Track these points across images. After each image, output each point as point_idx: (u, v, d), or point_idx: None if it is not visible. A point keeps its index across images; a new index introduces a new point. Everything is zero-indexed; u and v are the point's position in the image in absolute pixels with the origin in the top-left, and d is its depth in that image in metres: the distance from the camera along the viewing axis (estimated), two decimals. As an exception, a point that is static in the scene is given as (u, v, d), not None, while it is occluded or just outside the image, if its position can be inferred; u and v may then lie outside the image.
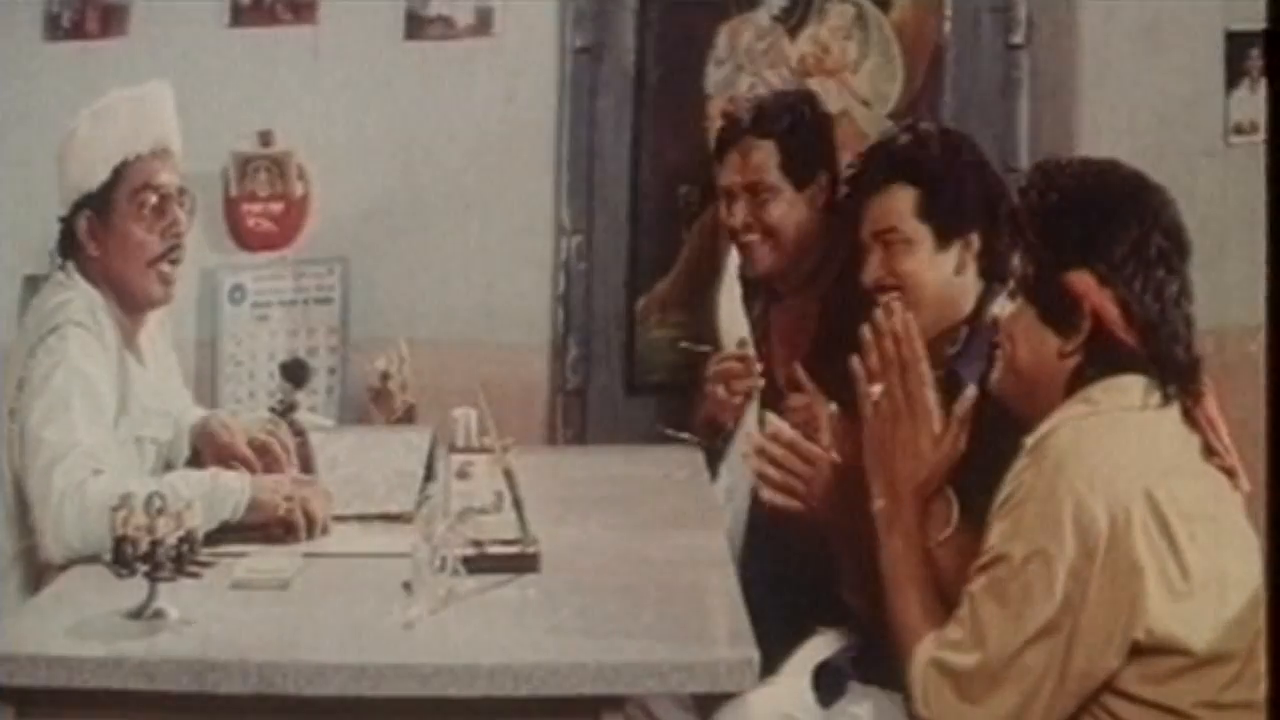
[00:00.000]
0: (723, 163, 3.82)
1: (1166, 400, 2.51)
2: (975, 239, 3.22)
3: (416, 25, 4.65)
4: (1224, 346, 4.35)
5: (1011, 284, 2.64)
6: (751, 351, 3.81)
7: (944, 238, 3.22)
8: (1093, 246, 2.55)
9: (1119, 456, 2.44)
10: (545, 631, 2.73)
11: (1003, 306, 2.65)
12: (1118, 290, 2.53)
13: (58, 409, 3.14)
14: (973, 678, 2.44)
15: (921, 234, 3.23)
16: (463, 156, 4.65)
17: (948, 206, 3.23)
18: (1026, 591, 2.40)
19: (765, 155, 3.71)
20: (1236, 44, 4.45)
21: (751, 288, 3.86)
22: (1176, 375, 2.53)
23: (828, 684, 3.02)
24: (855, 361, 2.80)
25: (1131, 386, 2.51)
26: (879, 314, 2.82)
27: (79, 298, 3.28)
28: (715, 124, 4.64)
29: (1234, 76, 4.47)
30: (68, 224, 3.34)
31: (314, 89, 4.64)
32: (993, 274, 3.19)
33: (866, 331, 2.80)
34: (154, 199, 3.32)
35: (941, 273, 3.22)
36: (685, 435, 3.90)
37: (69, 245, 3.34)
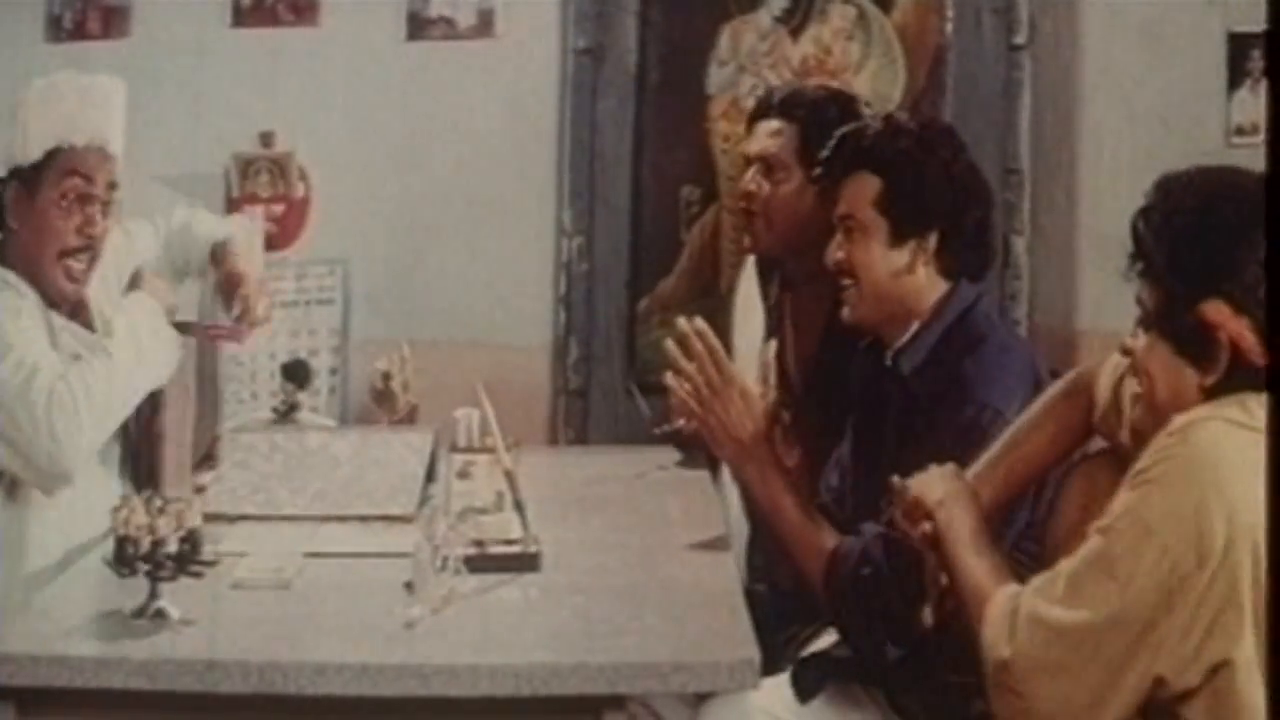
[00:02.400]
0: (749, 134, 3.85)
1: None
2: (932, 239, 3.16)
3: (418, 26, 4.65)
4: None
5: (1141, 315, 2.51)
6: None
7: (899, 234, 3.17)
8: (1225, 272, 2.42)
9: (1249, 479, 2.33)
10: (546, 631, 2.73)
11: (1136, 338, 2.53)
12: (1254, 315, 2.41)
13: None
14: (1070, 636, 2.37)
15: (877, 225, 3.17)
16: (464, 157, 4.65)
17: (908, 202, 3.16)
18: (1134, 574, 2.34)
19: (785, 135, 3.73)
20: (1238, 45, 4.45)
21: (768, 277, 3.87)
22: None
23: (806, 681, 3.03)
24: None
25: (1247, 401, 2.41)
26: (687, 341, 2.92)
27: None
28: (718, 124, 4.65)
29: (1235, 78, 4.47)
30: (2, 194, 3.31)
31: (316, 90, 4.64)
32: (955, 274, 3.17)
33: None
34: (76, 193, 3.27)
35: (891, 267, 3.17)
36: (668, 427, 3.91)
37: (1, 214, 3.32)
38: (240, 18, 4.66)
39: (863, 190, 3.19)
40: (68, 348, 3.26)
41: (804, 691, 3.01)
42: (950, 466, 2.74)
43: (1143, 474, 2.38)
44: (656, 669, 2.55)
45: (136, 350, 3.27)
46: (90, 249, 3.30)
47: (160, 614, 2.70)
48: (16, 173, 3.28)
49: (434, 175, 4.66)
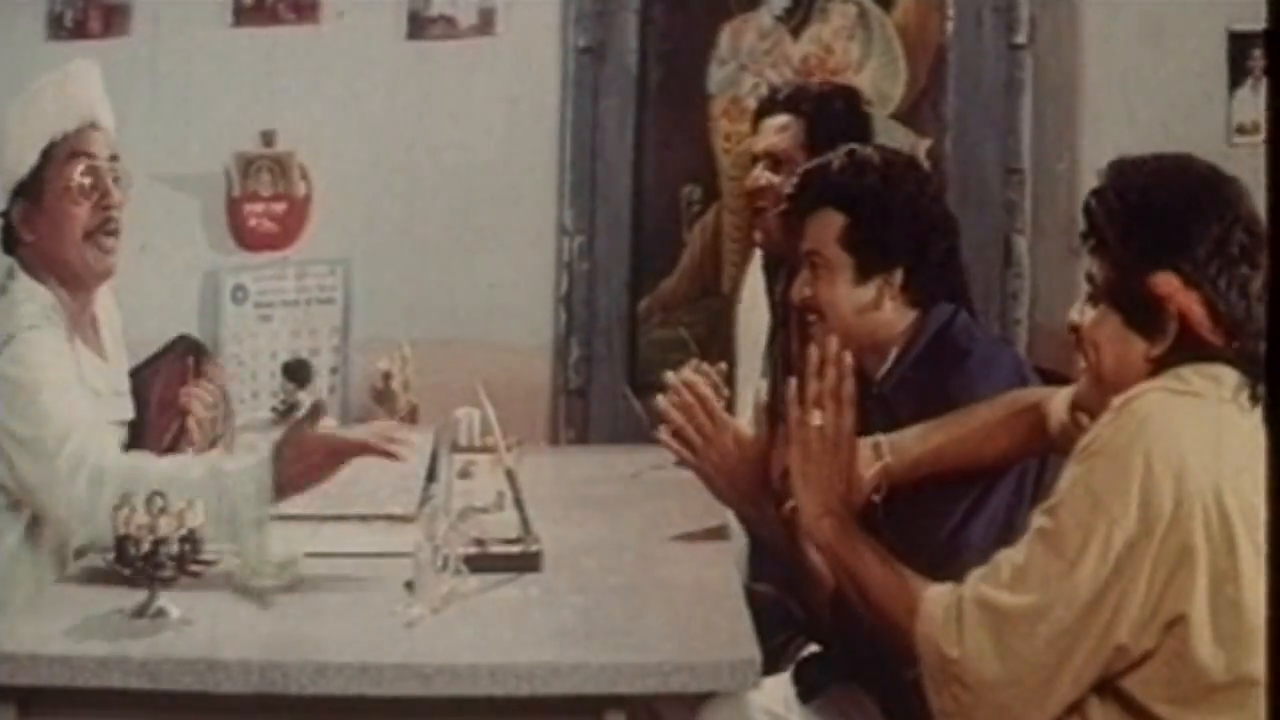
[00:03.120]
0: (756, 131, 3.87)
1: (1255, 400, 2.47)
2: (899, 275, 3.14)
3: (419, 25, 4.65)
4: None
5: (1090, 289, 2.56)
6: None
7: (865, 270, 3.14)
8: (1176, 246, 2.47)
9: (1198, 442, 2.38)
10: (547, 631, 2.73)
11: (1083, 313, 2.57)
12: (1203, 290, 2.46)
13: (31, 407, 3.12)
14: (1018, 621, 2.39)
15: (843, 262, 3.15)
16: (465, 157, 4.65)
17: (873, 239, 3.13)
18: (1082, 550, 2.35)
19: (791, 130, 3.74)
20: (1239, 44, 4.45)
21: (774, 274, 3.88)
22: (1264, 374, 2.50)
23: (808, 680, 3.02)
24: (793, 385, 2.79)
25: (1225, 377, 2.45)
26: (826, 346, 2.83)
27: (26, 301, 3.24)
28: (719, 123, 4.65)
29: (1237, 77, 4.47)
30: (6, 218, 3.30)
31: (316, 89, 4.65)
32: (923, 304, 3.15)
33: (812, 355, 2.80)
34: (82, 172, 3.27)
35: (857, 304, 3.15)
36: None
37: (9, 240, 3.30)
38: (241, 17, 4.66)
39: (827, 227, 3.16)
40: (90, 381, 3.27)
41: (806, 691, 3.01)
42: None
43: (1086, 448, 2.42)
44: (657, 669, 2.54)
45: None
46: (111, 221, 3.29)
47: (161, 613, 2.70)
48: (19, 191, 3.27)
49: (435, 174, 4.66)
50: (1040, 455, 2.93)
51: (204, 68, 4.60)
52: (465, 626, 2.72)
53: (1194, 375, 2.45)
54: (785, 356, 3.82)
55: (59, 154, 3.27)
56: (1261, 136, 4.07)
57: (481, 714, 2.55)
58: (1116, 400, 2.44)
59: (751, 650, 2.59)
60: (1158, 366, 2.48)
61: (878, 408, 3.12)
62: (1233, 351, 2.47)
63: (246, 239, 4.66)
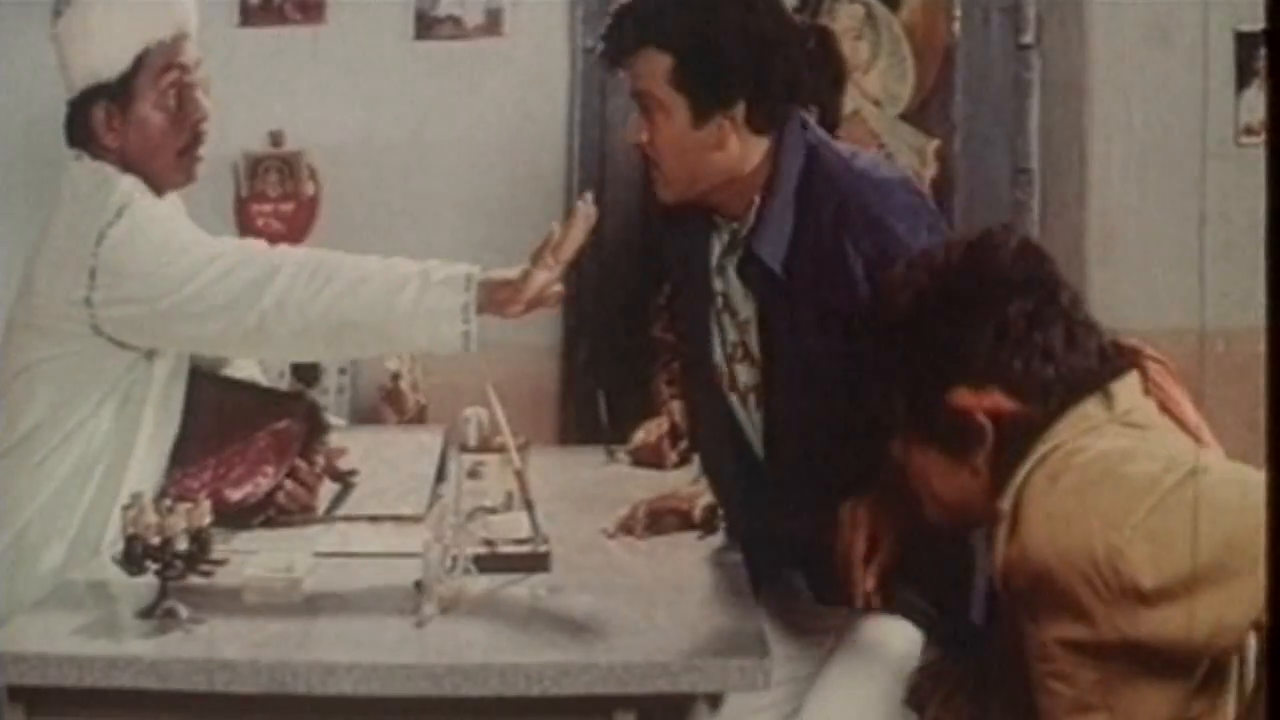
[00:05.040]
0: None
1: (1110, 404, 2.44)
2: (740, 108, 2.89)
3: (426, 25, 4.65)
4: (1232, 348, 4.36)
5: (895, 427, 2.52)
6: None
7: (700, 111, 2.89)
8: (956, 358, 2.42)
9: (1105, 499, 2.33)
10: (556, 631, 2.72)
11: (901, 447, 2.53)
12: (1002, 380, 2.41)
13: (171, 244, 3.06)
14: None
15: (676, 102, 2.89)
16: (472, 156, 4.65)
17: (705, 77, 2.87)
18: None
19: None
20: (1246, 45, 4.45)
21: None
22: (1100, 378, 2.46)
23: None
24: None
25: (1089, 408, 2.42)
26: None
27: (120, 179, 3.13)
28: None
29: (1244, 77, 4.47)
30: (79, 110, 3.18)
31: (324, 89, 4.64)
32: (767, 127, 2.92)
33: None
34: (177, 87, 3.18)
35: (697, 146, 2.90)
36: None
37: (80, 133, 3.18)
38: (248, 17, 4.66)
39: (653, 68, 2.91)
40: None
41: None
42: None
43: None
44: (667, 669, 2.54)
45: (391, 298, 3.07)
46: (201, 135, 3.22)
47: (170, 613, 2.70)
48: (101, 90, 3.16)
49: (442, 174, 4.66)
50: None
51: (211, 68, 4.57)
52: (474, 627, 2.71)
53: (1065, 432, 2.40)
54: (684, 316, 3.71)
55: (153, 63, 3.16)
56: (1270, 137, 4.08)
57: (491, 714, 2.55)
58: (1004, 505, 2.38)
59: (762, 650, 2.59)
60: (987, 471, 2.43)
61: (768, 287, 2.97)
62: (1056, 409, 2.41)
63: (254, 239, 4.66)
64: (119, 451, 3.13)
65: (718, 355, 3.14)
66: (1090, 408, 2.42)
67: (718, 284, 3.09)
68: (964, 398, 2.42)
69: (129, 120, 3.16)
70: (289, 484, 3.26)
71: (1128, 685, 2.32)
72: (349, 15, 4.66)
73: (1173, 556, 2.27)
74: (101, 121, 3.16)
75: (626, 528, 3.25)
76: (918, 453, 2.52)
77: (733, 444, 3.16)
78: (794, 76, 2.95)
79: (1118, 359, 2.49)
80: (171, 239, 3.09)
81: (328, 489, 3.39)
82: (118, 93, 3.16)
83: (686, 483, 3.55)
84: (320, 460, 3.33)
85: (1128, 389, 2.45)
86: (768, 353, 3.03)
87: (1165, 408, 2.50)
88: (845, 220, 2.90)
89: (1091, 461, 2.36)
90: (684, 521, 3.27)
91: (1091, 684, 2.32)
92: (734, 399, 3.14)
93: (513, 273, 3.06)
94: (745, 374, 3.10)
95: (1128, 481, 2.33)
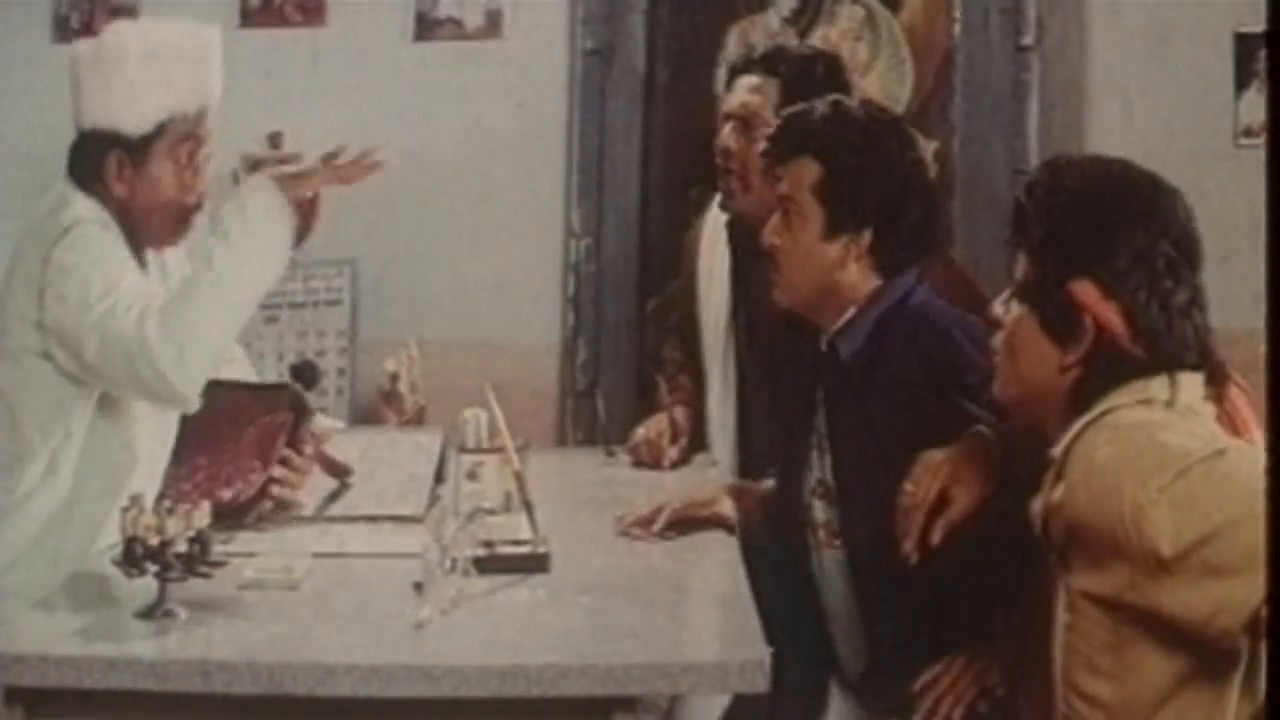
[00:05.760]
0: (729, 89, 3.78)
1: (1171, 401, 2.48)
2: (867, 236, 3.06)
3: (426, 27, 4.66)
4: (1233, 349, 4.36)
5: (1014, 286, 2.58)
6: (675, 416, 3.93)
7: (834, 225, 3.07)
8: (1097, 255, 2.48)
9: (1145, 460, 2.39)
10: (555, 632, 2.72)
11: (1006, 308, 2.60)
12: (1123, 300, 2.47)
13: (93, 294, 3.03)
14: None
15: (814, 213, 3.07)
16: (472, 158, 4.66)
17: (847, 194, 3.06)
18: None
19: (764, 92, 3.67)
20: (1246, 46, 4.45)
21: (737, 249, 3.82)
22: (1180, 362, 2.50)
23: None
24: None
25: (1150, 385, 2.47)
26: None
27: (81, 201, 3.14)
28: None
29: (1243, 79, 4.47)
30: (89, 148, 3.18)
31: (323, 91, 4.64)
32: (888, 271, 3.09)
33: None
34: (193, 157, 3.20)
35: (822, 260, 3.08)
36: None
37: (85, 170, 3.18)
38: (248, 18, 4.66)
39: (804, 175, 3.09)
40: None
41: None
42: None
43: None
44: (666, 670, 2.54)
45: (234, 257, 3.11)
46: (200, 205, 3.24)
47: (169, 615, 2.70)
48: (118, 141, 3.16)
49: (442, 176, 4.66)
50: None
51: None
52: (474, 628, 2.71)
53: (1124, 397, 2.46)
54: (749, 334, 3.78)
55: (175, 130, 3.18)
56: (1269, 138, 4.07)
57: (490, 715, 2.55)
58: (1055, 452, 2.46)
59: (761, 651, 2.59)
60: (1072, 376, 2.49)
61: (833, 372, 3.10)
62: (1151, 360, 2.47)
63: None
64: (112, 477, 3.14)
65: (805, 494, 3.20)
66: (1155, 387, 2.47)
67: (820, 420, 3.17)
68: (1086, 292, 2.48)
69: (141, 176, 3.18)
70: (279, 472, 3.26)
71: (1135, 653, 2.38)
72: (349, 17, 4.66)
73: (1192, 528, 2.33)
74: (114, 172, 3.17)
75: (643, 525, 3.25)
76: (1020, 320, 2.56)
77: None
78: (923, 224, 3.12)
79: (1203, 359, 2.53)
80: (97, 267, 3.09)
81: (323, 487, 3.39)
82: (134, 147, 3.17)
83: (684, 482, 3.57)
84: (309, 447, 3.32)
85: (1192, 384, 2.50)
86: (836, 454, 3.12)
87: (1234, 429, 2.55)
88: (918, 334, 3.07)
89: (1134, 424, 2.43)
90: (707, 524, 3.31)
91: (1103, 645, 2.40)
92: (809, 537, 3.20)
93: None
94: (822, 510, 3.17)
95: (1162, 447, 2.39)
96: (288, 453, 3.28)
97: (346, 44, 4.65)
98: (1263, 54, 4.38)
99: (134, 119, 3.16)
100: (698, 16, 4.68)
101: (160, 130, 3.17)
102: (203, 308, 3.04)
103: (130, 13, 4.60)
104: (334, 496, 3.40)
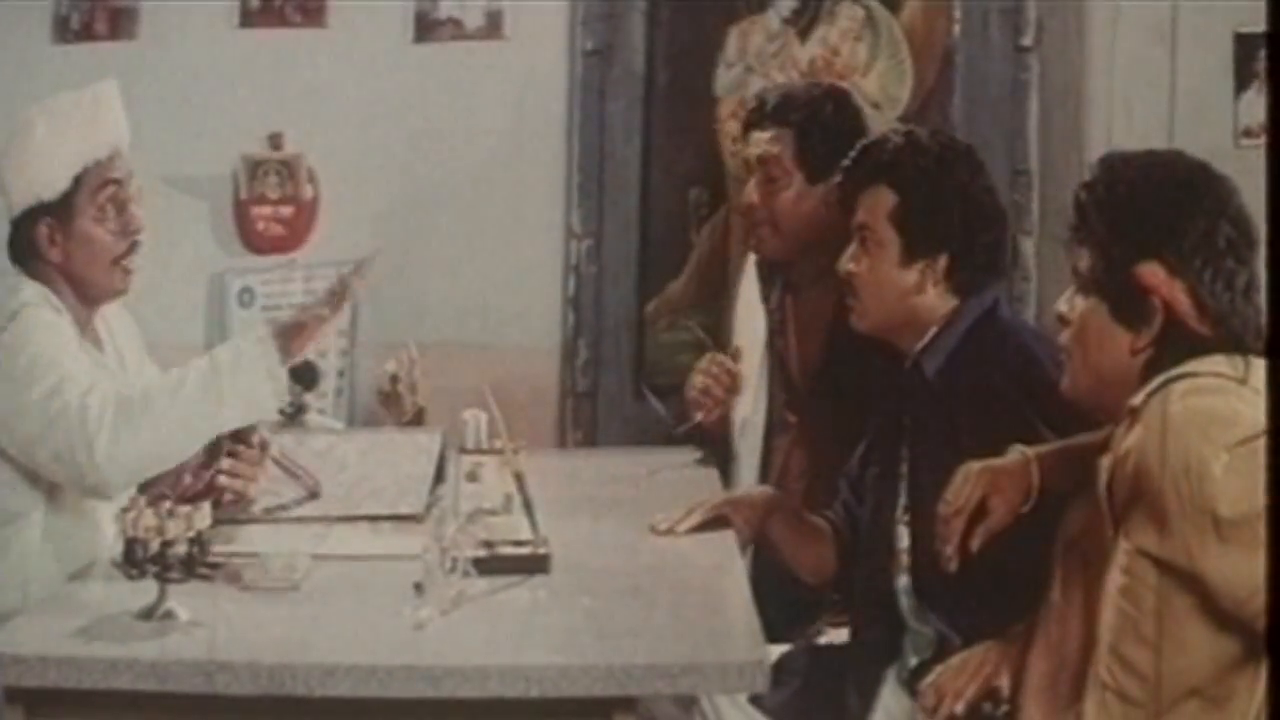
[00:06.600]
0: (745, 141, 3.83)
1: (1242, 382, 2.52)
2: (943, 261, 3.15)
3: (426, 28, 4.65)
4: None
5: (1078, 281, 2.65)
6: (731, 364, 3.87)
7: (911, 252, 3.17)
8: (1162, 238, 2.55)
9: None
10: (556, 633, 2.72)
11: (1071, 304, 2.66)
12: (1189, 280, 2.54)
13: (38, 371, 3.10)
14: None
15: (891, 240, 3.18)
16: (472, 159, 4.66)
17: (923, 221, 3.16)
18: None
19: (781, 141, 3.72)
20: (1246, 46, 4.44)
21: (770, 280, 3.86)
22: (1247, 346, 2.55)
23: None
24: None
25: (1225, 361, 2.52)
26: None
27: (28, 287, 3.23)
28: (726, 125, 4.64)
29: (1243, 79, 4.47)
30: (21, 229, 3.28)
31: (324, 92, 4.64)
32: (964, 293, 3.17)
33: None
34: (113, 199, 3.29)
35: (899, 286, 3.17)
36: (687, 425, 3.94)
37: (22, 250, 3.29)
38: (248, 19, 4.66)
39: (879, 203, 3.19)
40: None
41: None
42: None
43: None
44: (666, 670, 2.54)
45: (210, 389, 3.16)
46: (137, 244, 3.32)
47: (169, 615, 2.70)
48: (44, 209, 3.26)
49: (442, 177, 4.66)
50: None
51: (211, 70, 4.60)
52: (474, 628, 2.72)
53: (1198, 366, 2.51)
54: (782, 363, 3.82)
55: (90, 180, 3.28)
56: (1269, 139, 4.07)
57: (490, 716, 2.55)
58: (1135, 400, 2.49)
59: (761, 651, 2.59)
60: (1144, 357, 2.56)
61: (921, 391, 3.16)
62: (1218, 339, 2.53)
63: (254, 242, 4.67)
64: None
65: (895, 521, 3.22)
66: (1230, 364, 2.52)
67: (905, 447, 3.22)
68: (1154, 274, 2.55)
69: (71, 236, 3.27)
70: (227, 463, 3.27)
71: (1178, 624, 2.44)
72: (349, 17, 4.66)
73: (1250, 499, 2.38)
74: (45, 237, 3.27)
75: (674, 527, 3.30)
76: (1088, 312, 2.63)
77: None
78: (996, 248, 3.21)
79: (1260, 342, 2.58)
80: (43, 347, 3.15)
81: (291, 492, 3.39)
82: (58, 209, 3.27)
83: (683, 482, 3.57)
84: (256, 440, 3.34)
85: (1260, 369, 2.53)
86: (916, 478, 3.16)
87: None
88: (1002, 348, 3.14)
89: (1211, 387, 2.48)
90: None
91: (1151, 610, 2.45)
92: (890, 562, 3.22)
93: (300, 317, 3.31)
94: (906, 536, 3.20)
95: (1235, 412, 2.45)
96: (238, 446, 3.30)
97: (346, 44, 4.65)
98: (1263, 54, 4.38)
99: (51, 181, 3.26)
100: (697, 17, 4.67)
101: (78, 183, 3.27)
102: (157, 421, 3.10)
103: (130, 14, 4.61)
104: (305, 500, 3.40)
